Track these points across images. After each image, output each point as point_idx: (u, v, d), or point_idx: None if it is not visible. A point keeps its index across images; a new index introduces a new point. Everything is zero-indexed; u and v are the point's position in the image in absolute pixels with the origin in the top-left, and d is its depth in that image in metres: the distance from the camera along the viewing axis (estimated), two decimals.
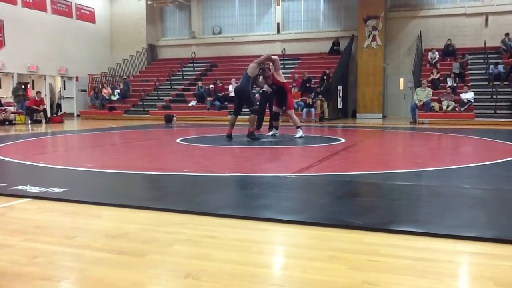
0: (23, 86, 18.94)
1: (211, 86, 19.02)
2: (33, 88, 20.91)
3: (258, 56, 9.81)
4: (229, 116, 8.89)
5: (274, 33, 22.12)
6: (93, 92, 20.84)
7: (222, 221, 3.01)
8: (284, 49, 20.81)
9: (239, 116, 9.27)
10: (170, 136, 10.35)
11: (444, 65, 18.10)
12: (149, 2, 22.94)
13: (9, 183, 4.22)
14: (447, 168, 5.24)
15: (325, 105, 17.03)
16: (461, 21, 19.10)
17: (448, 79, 16.68)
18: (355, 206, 3.47)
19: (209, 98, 18.52)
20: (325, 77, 17.81)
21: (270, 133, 9.71)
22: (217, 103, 18.31)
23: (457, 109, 15.36)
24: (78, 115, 21.27)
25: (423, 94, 15.69)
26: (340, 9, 21.16)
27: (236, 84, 8.80)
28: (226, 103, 18.50)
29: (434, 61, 18.26)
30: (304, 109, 16.37)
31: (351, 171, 5.14)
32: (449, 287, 1.99)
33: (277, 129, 9.69)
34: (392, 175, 4.85)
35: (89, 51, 22.31)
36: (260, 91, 10.89)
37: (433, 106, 15.55)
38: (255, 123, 9.13)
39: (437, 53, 18.43)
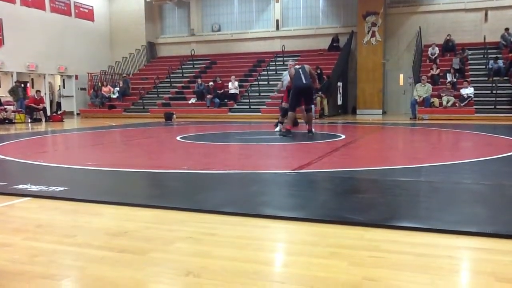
0: (22, 85, 18.90)
1: (211, 83, 19.00)
2: (32, 87, 20.88)
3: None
4: (290, 113, 9.10)
5: (273, 30, 22.07)
6: (92, 90, 20.83)
7: (222, 218, 3.01)
8: (284, 45, 20.77)
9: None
10: (170, 134, 10.35)
11: (443, 60, 18.06)
12: (148, 0, 22.90)
13: (9, 182, 4.22)
14: (447, 164, 5.23)
15: (325, 101, 17.01)
16: (461, 16, 19.05)
17: (447, 74, 16.65)
18: (355, 202, 3.47)
19: (208, 96, 18.50)
20: (318, 71, 17.73)
21: (277, 129, 9.98)
22: (217, 100, 18.29)
23: (457, 104, 15.35)
24: (78, 114, 21.26)
25: (423, 89, 15.67)
26: (339, 6, 21.11)
27: (304, 81, 8.87)
28: (226, 100, 18.49)
29: (434, 56, 18.23)
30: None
31: (352, 167, 5.13)
32: (449, 282, 1.99)
33: (282, 124, 9.89)
34: (392, 171, 4.84)
35: (88, 49, 22.27)
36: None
37: (433, 101, 15.53)
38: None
39: (437, 48, 18.39)
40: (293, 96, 9.02)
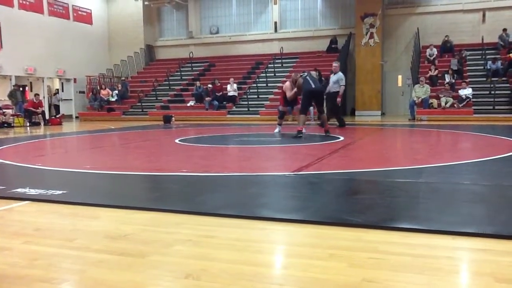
0: (20, 89, 18.89)
1: (209, 86, 19.01)
2: (31, 91, 20.88)
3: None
4: (301, 116, 9.41)
5: (271, 32, 22.09)
6: (91, 93, 20.82)
7: (221, 221, 3.01)
8: (282, 47, 20.80)
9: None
10: (168, 137, 10.35)
11: (442, 61, 18.09)
12: (146, 3, 22.91)
13: (8, 185, 4.22)
14: (446, 165, 5.24)
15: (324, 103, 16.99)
16: (459, 17, 19.09)
17: (446, 75, 16.67)
18: (354, 204, 3.47)
19: (207, 98, 18.51)
20: (317, 73, 17.77)
21: (276, 130, 10.18)
22: (216, 103, 18.30)
23: (455, 105, 15.36)
24: (76, 117, 21.25)
25: (421, 91, 15.69)
26: (337, 7, 21.14)
27: (313, 86, 9.23)
28: (224, 102, 18.49)
29: (432, 57, 18.25)
30: None
31: (351, 169, 5.14)
32: (448, 283, 1.99)
33: (280, 126, 10.03)
34: (391, 172, 4.85)
35: (86, 52, 22.28)
36: None
37: (431, 102, 15.55)
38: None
39: (435, 49, 18.41)
40: (304, 99, 9.35)
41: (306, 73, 9.52)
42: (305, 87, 9.22)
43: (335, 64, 11.54)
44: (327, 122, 9.57)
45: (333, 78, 11.53)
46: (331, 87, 11.48)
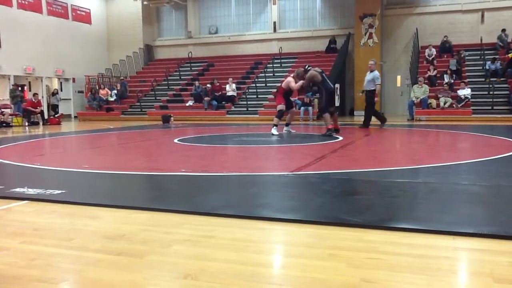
0: (19, 88, 18.87)
1: (208, 85, 19.01)
2: (29, 90, 20.85)
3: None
4: (326, 115, 9.61)
5: (270, 32, 22.10)
6: (90, 93, 20.80)
7: (220, 220, 3.01)
8: (281, 47, 20.80)
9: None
10: (167, 137, 10.34)
11: (440, 61, 18.10)
12: (145, 3, 22.89)
13: (6, 185, 4.21)
14: (445, 165, 5.24)
15: None
16: (457, 17, 19.12)
17: (445, 75, 16.67)
18: (353, 204, 3.47)
19: (206, 98, 18.50)
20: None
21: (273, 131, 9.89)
22: (215, 102, 18.30)
23: (454, 105, 15.38)
24: (75, 117, 21.23)
25: (420, 91, 15.70)
26: (336, 7, 21.16)
27: (331, 85, 9.83)
28: (223, 102, 18.49)
29: (431, 58, 18.26)
30: (302, 107, 16.37)
31: (349, 169, 5.13)
32: (448, 283, 1.99)
33: (276, 126, 9.90)
34: (390, 172, 4.85)
35: (85, 52, 22.26)
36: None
37: (430, 103, 15.56)
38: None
39: (434, 50, 18.43)
40: (326, 99, 9.69)
41: (320, 70, 9.80)
42: (326, 87, 9.57)
43: (371, 62, 11.54)
44: (331, 122, 9.63)
45: (368, 76, 11.48)
46: (366, 86, 11.49)
